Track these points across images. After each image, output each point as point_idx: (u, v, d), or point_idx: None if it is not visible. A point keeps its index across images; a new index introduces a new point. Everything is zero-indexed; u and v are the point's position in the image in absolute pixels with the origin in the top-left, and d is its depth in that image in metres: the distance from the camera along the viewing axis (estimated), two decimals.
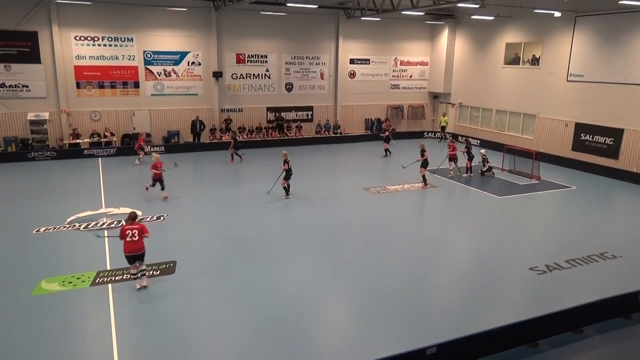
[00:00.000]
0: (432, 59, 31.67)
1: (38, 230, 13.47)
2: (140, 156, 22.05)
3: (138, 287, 9.98)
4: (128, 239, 9.79)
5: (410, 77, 31.70)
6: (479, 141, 28.28)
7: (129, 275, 10.60)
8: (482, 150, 21.55)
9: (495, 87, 27.78)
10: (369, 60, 30.26)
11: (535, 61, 25.26)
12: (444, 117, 30.76)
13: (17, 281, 10.40)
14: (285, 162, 16.34)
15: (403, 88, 31.68)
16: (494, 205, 16.72)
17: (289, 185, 16.77)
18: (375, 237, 13.53)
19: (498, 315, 9.30)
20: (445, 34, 30.32)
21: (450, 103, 31.42)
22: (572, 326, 8.90)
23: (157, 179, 16.37)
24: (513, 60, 26.67)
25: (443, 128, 30.49)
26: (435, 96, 32.40)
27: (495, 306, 9.78)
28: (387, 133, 25.36)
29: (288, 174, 16.51)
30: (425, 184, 18.62)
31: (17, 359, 7.70)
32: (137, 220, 10.27)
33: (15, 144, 23.08)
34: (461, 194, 17.77)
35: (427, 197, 17.29)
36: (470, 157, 20.61)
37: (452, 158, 20.49)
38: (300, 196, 16.65)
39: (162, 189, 16.48)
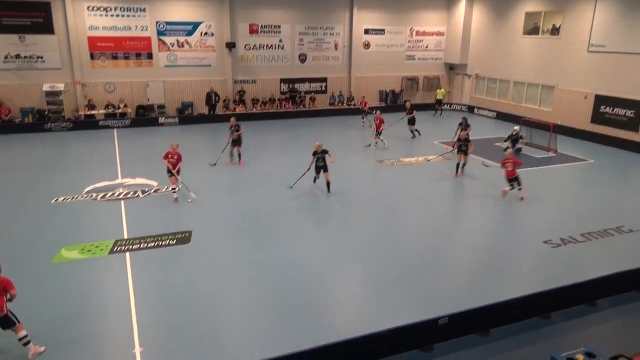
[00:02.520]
0: (449, 29, 30.96)
1: (57, 200, 13.72)
2: (174, 185, 13.72)
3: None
4: None
5: (426, 47, 31.10)
6: (495, 113, 27.90)
7: (145, 245, 10.83)
8: (516, 127, 19.91)
9: (513, 58, 27.15)
10: (383, 30, 29.70)
11: (555, 31, 24.57)
12: (440, 89, 29.95)
13: (39, 249, 10.66)
14: (319, 154, 14.15)
15: (418, 59, 31.14)
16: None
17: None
18: (388, 209, 13.54)
19: (511, 287, 9.31)
20: (462, 3, 29.52)
21: (466, 74, 30.86)
22: (586, 299, 8.90)
23: (511, 178, 14.00)
24: (532, 30, 25.96)
25: (439, 101, 29.52)
26: (451, 67, 31.81)
27: (509, 278, 9.79)
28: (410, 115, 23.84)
29: (319, 167, 14.41)
30: (462, 171, 16.63)
31: (39, 324, 7.94)
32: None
33: (32, 114, 23.32)
34: (475, 167, 17.59)
35: (440, 170, 17.16)
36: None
37: (378, 131, 19.87)
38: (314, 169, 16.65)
39: (519, 187, 14.09)
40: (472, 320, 7.97)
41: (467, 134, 16.63)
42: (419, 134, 22.34)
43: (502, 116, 27.14)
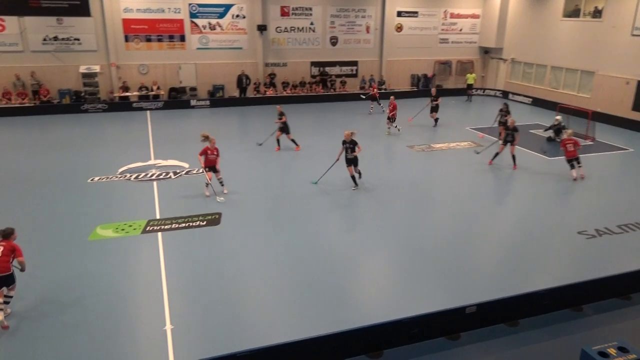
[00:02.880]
0: (485, 11, 30.10)
1: (92, 180, 14.12)
2: (208, 179, 12.95)
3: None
4: None
5: (460, 30, 30.36)
6: (531, 99, 27.13)
7: (177, 225, 11.08)
8: (558, 117, 19.26)
9: (552, 42, 26.24)
10: (417, 12, 29.11)
11: (597, 13, 23.59)
12: (470, 74, 28.88)
13: (75, 227, 11.03)
14: (348, 143, 13.20)
15: (452, 42, 30.46)
16: (544, 167, 16.15)
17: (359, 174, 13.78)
18: (419, 195, 13.42)
19: (542, 277, 9.16)
20: None
21: (501, 59, 30.03)
22: (620, 292, 8.66)
23: (572, 158, 14.58)
24: (573, 12, 25.00)
25: (470, 86, 28.52)
26: (486, 51, 31.00)
27: (540, 268, 9.61)
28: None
29: (349, 159, 13.48)
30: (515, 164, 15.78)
31: (74, 299, 8.27)
32: (13, 237, 8.07)
33: (69, 96, 23.94)
34: (509, 154, 17.21)
35: (472, 157, 16.86)
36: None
37: (392, 117, 19.52)
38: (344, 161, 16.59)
39: (579, 165, 14.67)
40: (501, 309, 7.88)
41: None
42: (436, 123, 21.33)
43: (538, 102, 26.39)
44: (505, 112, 18.94)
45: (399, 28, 29.04)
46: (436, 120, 21.42)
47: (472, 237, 10.97)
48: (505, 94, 29.16)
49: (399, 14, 28.76)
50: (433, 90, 21.83)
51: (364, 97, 24.88)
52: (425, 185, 14.24)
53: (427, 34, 29.72)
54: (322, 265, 9.51)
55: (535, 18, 27.21)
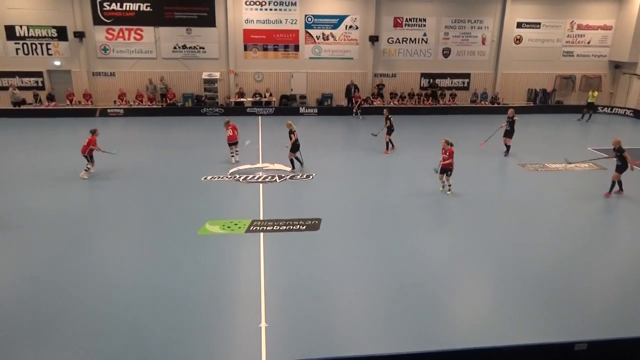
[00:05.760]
0: (619, 21, 27.49)
1: (205, 179, 15.15)
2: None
3: (85, 176, 14.79)
4: (85, 143, 14.91)
5: (588, 43, 28.03)
6: None
7: (278, 227, 11.49)
8: None
9: None
10: (539, 24, 27.43)
11: None
12: (592, 92, 25.87)
13: (188, 221, 11.89)
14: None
15: (577, 56, 28.22)
16: None
17: None
18: (528, 216, 12.54)
19: None
20: None
21: (635, 74, 27.17)
22: None
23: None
24: None
25: (590, 105, 25.36)
26: (617, 66, 28.28)
27: None
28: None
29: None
30: (621, 188, 13.96)
31: (179, 289, 8.90)
32: (96, 134, 15.02)
33: (191, 100, 26.01)
34: (637, 180, 15.45)
35: (591, 180, 15.41)
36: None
37: (447, 168, 13.69)
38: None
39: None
40: (617, 351, 7.07)
41: None
42: (507, 152, 18.18)
43: None
44: None
45: (518, 40, 27.58)
46: (508, 148, 18.09)
47: (585, 266, 10.02)
48: (637, 114, 26.35)
49: (519, 25, 27.32)
50: (510, 111, 17.84)
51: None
52: (535, 207, 13.26)
53: (550, 46, 27.86)
54: (418, 280, 9.26)
55: None
